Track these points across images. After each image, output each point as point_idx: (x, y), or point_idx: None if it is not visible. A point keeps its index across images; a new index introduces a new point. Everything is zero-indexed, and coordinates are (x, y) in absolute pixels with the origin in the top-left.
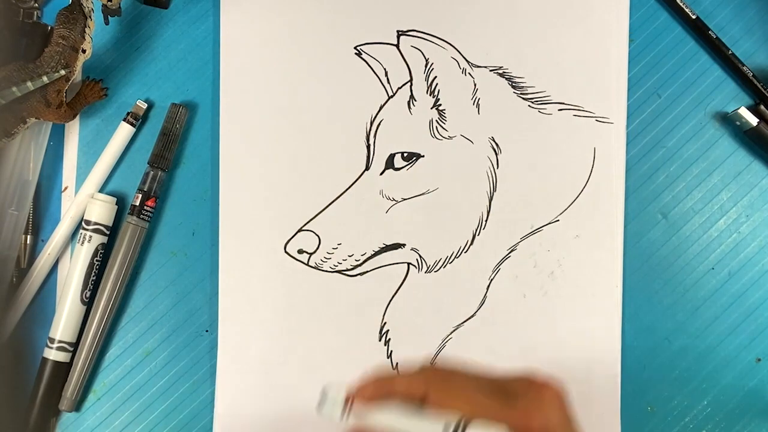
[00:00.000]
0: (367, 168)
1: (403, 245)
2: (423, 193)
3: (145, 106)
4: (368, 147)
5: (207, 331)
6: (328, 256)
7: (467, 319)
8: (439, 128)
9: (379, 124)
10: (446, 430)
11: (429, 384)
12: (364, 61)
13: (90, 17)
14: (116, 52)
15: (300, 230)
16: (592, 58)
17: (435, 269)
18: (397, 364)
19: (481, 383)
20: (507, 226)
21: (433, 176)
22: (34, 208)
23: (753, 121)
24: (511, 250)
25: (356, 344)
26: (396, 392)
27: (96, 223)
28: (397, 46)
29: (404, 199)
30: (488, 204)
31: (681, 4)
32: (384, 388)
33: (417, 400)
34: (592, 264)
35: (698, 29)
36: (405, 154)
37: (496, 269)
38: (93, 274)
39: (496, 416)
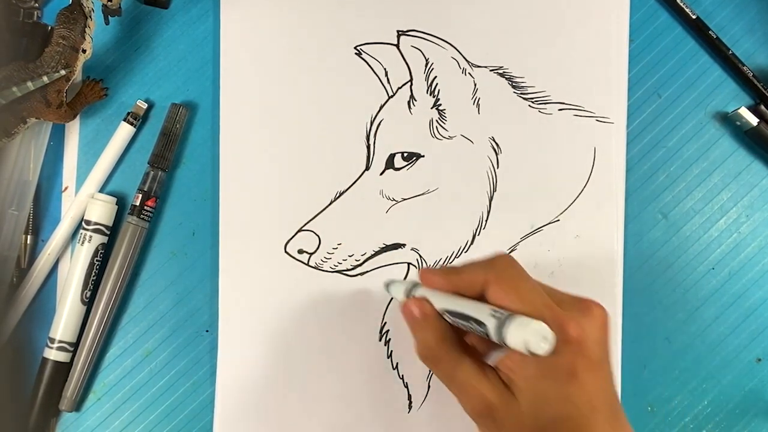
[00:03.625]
0: (367, 168)
1: (403, 245)
2: (423, 193)
3: (145, 106)
4: (368, 147)
5: (207, 331)
6: (328, 256)
7: None
8: (439, 128)
9: (379, 124)
10: (493, 312)
11: (490, 275)
12: (364, 61)
13: (90, 17)
14: (116, 52)
15: (300, 230)
16: (592, 58)
17: None
18: (397, 364)
19: (537, 287)
20: (507, 226)
21: (433, 176)
22: (34, 208)
23: (753, 121)
24: (511, 250)
25: (356, 344)
26: (460, 282)
27: (96, 223)
28: (397, 46)
29: (404, 199)
30: (488, 204)
31: (681, 4)
32: (449, 280)
33: (477, 290)
34: (592, 264)
35: (698, 29)
36: (405, 154)
37: None
38: (93, 274)
39: (540, 315)
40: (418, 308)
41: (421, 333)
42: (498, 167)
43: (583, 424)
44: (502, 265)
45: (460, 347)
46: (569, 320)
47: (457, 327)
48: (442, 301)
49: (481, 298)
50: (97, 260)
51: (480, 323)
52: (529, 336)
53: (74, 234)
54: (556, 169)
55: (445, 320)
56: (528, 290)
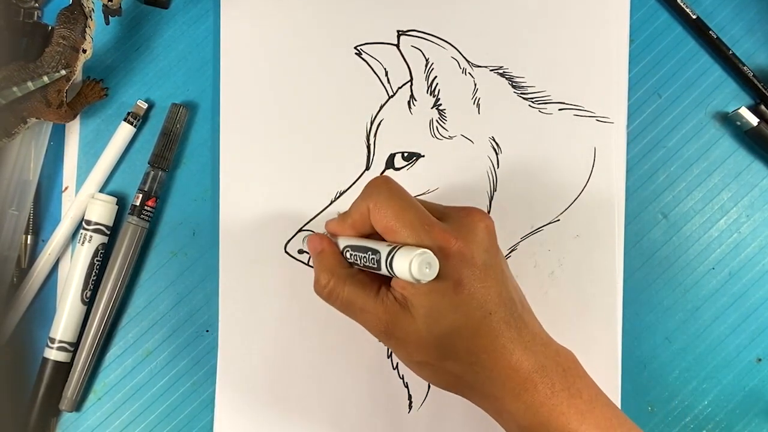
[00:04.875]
0: (368, 168)
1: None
2: (423, 193)
3: (145, 106)
4: (368, 147)
5: (207, 331)
6: None
7: None
8: (440, 128)
9: (379, 124)
10: (382, 256)
11: (370, 202)
12: (364, 61)
13: (90, 17)
14: (116, 52)
15: (300, 230)
16: (592, 58)
17: None
18: (397, 364)
19: (414, 204)
20: (507, 226)
21: (433, 176)
22: (35, 208)
23: (753, 121)
24: (512, 250)
25: (356, 344)
26: (353, 220)
27: (96, 223)
28: (397, 46)
29: None
30: (488, 204)
31: (681, 4)
32: (344, 221)
33: (369, 223)
34: (592, 264)
35: (698, 29)
36: (405, 154)
37: None
38: (93, 274)
39: (419, 231)
40: (318, 243)
41: (318, 266)
42: (498, 167)
43: (478, 329)
44: (377, 188)
45: (356, 275)
46: (449, 234)
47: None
48: (345, 240)
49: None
50: (97, 260)
51: (374, 251)
52: (414, 263)
53: (74, 234)
54: (556, 169)
55: (343, 256)
56: (404, 208)
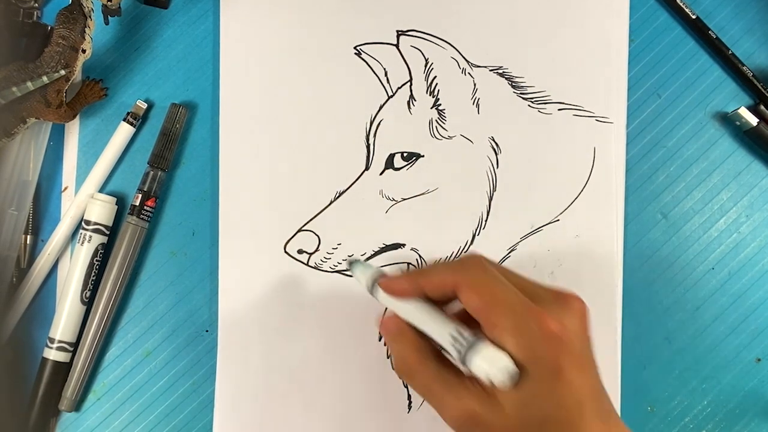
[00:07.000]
0: (367, 168)
1: (403, 245)
2: (423, 193)
3: (145, 106)
4: (368, 147)
5: (207, 331)
6: (328, 256)
7: None
8: (439, 128)
9: (379, 124)
10: (454, 339)
11: (461, 278)
12: (364, 61)
13: (90, 17)
14: (116, 52)
15: (300, 230)
16: (592, 58)
17: None
18: None
19: (510, 287)
20: (507, 226)
21: (433, 176)
22: (34, 208)
23: (753, 121)
24: (511, 250)
25: (356, 344)
26: (428, 284)
27: (96, 223)
28: (397, 46)
29: (404, 199)
30: (488, 204)
31: (681, 4)
32: (416, 283)
33: (447, 293)
34: (592, 264)
35: (698, 29)
36: (405, 154)
37: None
38: (93, 274)
39: (518, 314)
40: (394, 323)
41: (396, 346)
42: (498, 167)
43: (573, 422)
44: (474, 266)
45: (437, 357)
46: (548, 316)
47: None
48: (407, 314)
49: (450, 300)
50: (96, 260)
51: (441, 348)
52: (494, 371)
53: (74, 234)
54: (556, 169)
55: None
56: (502, 291)
